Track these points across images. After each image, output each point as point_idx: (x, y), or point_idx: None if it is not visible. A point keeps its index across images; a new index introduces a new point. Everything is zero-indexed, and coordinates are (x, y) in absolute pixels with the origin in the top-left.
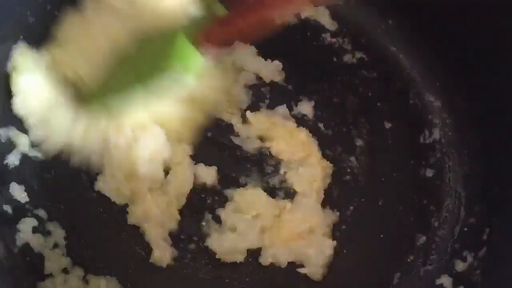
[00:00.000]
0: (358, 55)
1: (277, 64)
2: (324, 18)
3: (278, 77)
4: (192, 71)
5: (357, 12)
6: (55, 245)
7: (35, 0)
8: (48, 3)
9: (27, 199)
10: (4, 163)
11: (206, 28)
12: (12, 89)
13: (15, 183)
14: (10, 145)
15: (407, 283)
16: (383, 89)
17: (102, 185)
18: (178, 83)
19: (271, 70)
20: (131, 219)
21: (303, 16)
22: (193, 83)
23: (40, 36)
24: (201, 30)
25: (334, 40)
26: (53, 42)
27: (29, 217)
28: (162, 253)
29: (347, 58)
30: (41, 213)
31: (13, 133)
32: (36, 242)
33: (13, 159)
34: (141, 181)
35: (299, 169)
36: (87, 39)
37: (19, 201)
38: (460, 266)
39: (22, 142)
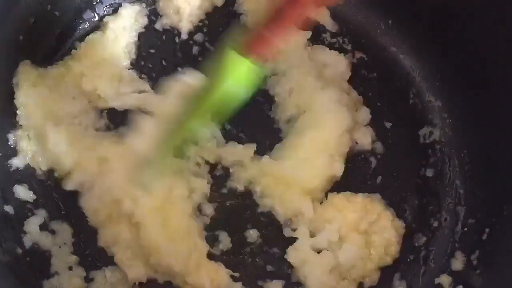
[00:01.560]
0: (358, 55)
1: None
2: (324, 18)
3: None
4: (249, 82)
5: (357, 12)
6: (63, 244)
7: (35, 0)
8: (48, 3)
9: (34, 197)
10: (8, 164)
11: (246, 40)
12: (15, 102)
13: (18, 184)
14: (16, 150)
15: (407, 283)
16: (383, 89)
17: (84, 202)
18: (238, 96)
19: None
20: (100, 242)
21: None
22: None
23: (40, 37)
24: (243, 42)
25: (334, 40)
26: (71, 56)
27: (30, 217)
28: (136, 273)
29: (347, 58)
30: (42, 212)
31: (19, 138)
32: (44, 240)
33: (16, 163)
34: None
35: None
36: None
37: (22, 201)
38: (459, 266)
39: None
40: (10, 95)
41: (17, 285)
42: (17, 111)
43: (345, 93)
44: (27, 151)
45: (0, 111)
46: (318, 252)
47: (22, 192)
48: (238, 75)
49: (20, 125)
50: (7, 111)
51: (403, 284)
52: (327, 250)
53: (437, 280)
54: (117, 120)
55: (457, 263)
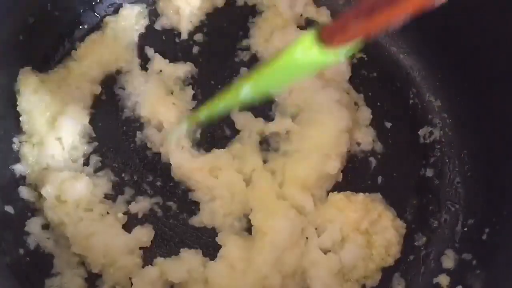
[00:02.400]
0: (358, 55)
1: None
2: (324, 18)
3: None
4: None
5: None
6: (66, 244)
7: (35, 0)
8: (48, 3)
9: (38, 197)
10: (12, 169)
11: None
12: (18, 109)
13: (22, 185)
14: (19, 155)
15: (406, 283)
16: (383, 89)
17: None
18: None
19: None
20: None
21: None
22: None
23: (40, 37)
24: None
25: None
26: (71, 57)
27: (31, 217)
28: None
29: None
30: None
31: (23, 144)
32: (47, 241)
33: (20, 168)
34: None
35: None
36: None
37: (25, 201)
38: (459, 265)
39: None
40: (14, 99)
41: (18, 286)
42: (20, 118)
43: (345, 92)
44: (29, 157)
45: (4, 115)
46: (325, 253)
47: (26, 192)
48: (307, 52)
49: (24, 131)
50: (11, 116)
51: (402, 284)
52: (329, 251)
53: (436, 280)
54: None
55: (457, 263)
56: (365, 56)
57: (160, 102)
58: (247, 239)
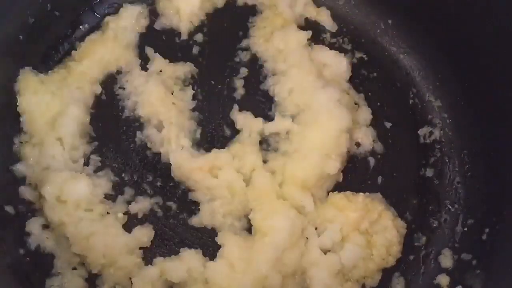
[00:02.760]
0: (358, 55)
1: None
2: (324, 18)
3: None
4: None
5: (357, 12)
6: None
7: (35, 0)
8: (48, 3)
9: (38, 197)
10: (12, 168)
11: None
12: (18, 109)
13: (23, 185)
14: (19, 155)
15: (406, 283)
16: (383, 89)
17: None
18: None
19: None
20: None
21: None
22: None
23: (40, 37)
24: None
25: (334, 40)
26: (71, 57)
27: (32, 217)
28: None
29: (347, 58)
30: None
31: (23, 144)
32: (47, 241)
33: (20, 168)
34: None
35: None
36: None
37: (26, 202)
38: (459, 265)
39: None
40: (14, 99)
41: (18, 286)
42: (20, 118)
43: (345, 93)
44: (30, 157)
45: (4, 115)
46: (325, 253)
47: (26, 192)
48: None
49: (24, 131)
50: (11, 116)
51: (402, 284)
52: (329, 251)
53: (436, 280)
54: None
55: (457, 263)
56: (365, 56)
57: (160, 102)
58: (247, 239)
